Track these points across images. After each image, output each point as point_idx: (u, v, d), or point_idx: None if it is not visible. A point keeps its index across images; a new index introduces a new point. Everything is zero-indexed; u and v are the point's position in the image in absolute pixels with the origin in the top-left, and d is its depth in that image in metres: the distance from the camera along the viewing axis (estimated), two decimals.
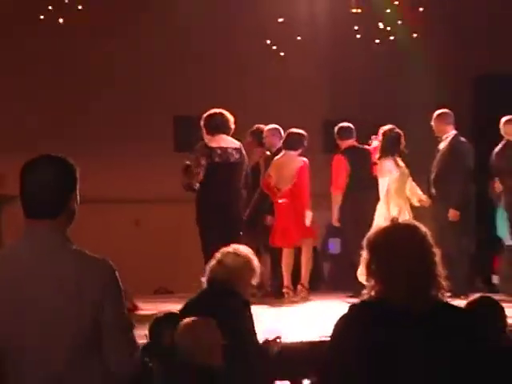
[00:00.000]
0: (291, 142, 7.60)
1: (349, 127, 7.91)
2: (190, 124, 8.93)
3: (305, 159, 7.78)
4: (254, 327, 4.16)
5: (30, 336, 2.69)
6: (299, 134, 7.64)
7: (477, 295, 4.26)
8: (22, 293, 2.69)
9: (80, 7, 8.05)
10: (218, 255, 4.26)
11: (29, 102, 9.38)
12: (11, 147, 8.51)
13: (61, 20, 8.15)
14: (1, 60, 9.09)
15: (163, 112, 10.07)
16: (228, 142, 6.82)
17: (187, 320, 3.69)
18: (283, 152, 7.61)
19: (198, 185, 6.71)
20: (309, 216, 7.63)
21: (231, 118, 6.86)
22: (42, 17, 8.18)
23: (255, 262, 4.31)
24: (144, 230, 9.10)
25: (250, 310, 4.25)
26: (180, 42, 9.65)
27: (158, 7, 9.56)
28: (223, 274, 4.19)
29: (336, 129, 7.91)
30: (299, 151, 7.63)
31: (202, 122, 6.86)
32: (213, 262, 4.27)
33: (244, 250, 4.37)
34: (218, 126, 6.75)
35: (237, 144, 6.88)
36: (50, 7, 8.09)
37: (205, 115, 6.86)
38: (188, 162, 6.73)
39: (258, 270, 4.37)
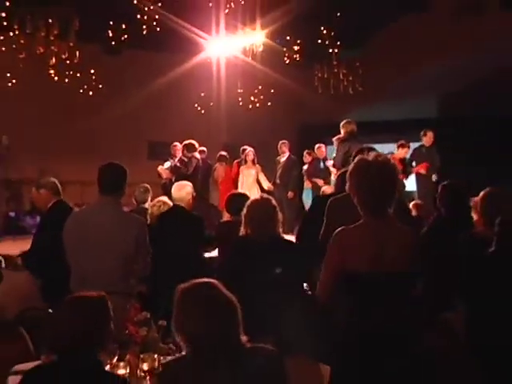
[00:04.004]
0: (222, 159, 11.18)
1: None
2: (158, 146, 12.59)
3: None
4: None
5: (91, 249, 3.52)
6: (225, 155, 11.21)
7: None
8: (88, 224, 3.56)
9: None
10: None
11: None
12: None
13: None
14: None
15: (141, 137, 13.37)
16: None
17: None
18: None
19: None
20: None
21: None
22: None
23: None
24: None
25: None
26: (151, 97, 12.39)
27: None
28: None
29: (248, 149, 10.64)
30: (230, 163, 11.15)
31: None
32: None
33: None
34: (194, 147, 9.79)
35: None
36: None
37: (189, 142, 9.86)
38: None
39: None
